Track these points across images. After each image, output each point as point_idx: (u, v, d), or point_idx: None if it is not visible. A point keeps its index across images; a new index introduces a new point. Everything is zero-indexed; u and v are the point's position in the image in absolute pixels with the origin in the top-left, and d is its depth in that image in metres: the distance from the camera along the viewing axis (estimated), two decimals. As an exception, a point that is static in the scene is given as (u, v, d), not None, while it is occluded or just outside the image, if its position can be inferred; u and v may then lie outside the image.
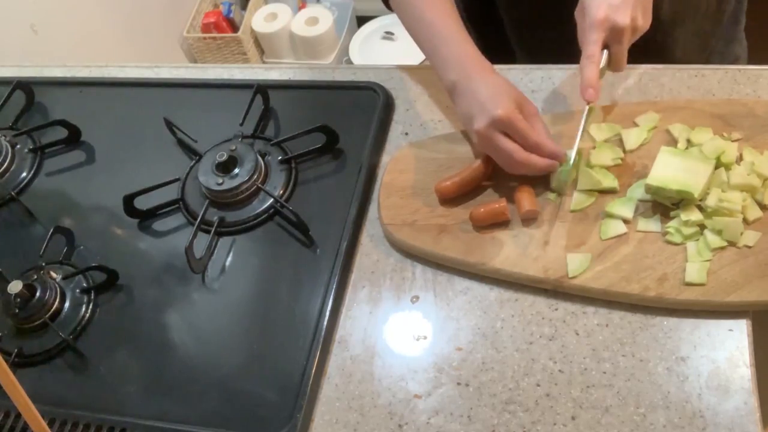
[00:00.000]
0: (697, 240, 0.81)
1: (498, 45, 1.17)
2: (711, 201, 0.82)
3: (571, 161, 0.86)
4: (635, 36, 0.86)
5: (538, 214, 0.87)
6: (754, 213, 0.82)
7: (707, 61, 1.12)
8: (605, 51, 0.86)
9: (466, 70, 0.89)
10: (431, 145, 0.98)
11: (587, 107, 0.87)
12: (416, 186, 0.93)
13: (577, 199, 0.87)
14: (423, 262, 0.90)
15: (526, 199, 0.86)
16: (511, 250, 0.85)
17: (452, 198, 0.91)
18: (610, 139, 0.92)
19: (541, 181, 0.89)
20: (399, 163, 0.97)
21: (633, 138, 0.90)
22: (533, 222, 0.87)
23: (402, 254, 0.91)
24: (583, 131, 0.87)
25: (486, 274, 0.86)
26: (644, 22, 0.85)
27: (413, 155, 0.97)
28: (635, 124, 0.92)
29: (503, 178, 0.91)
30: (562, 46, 0.92)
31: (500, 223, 0.87)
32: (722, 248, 0.80)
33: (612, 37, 0.84)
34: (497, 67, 1.04)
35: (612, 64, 0.87)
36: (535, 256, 0.84)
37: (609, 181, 0.87)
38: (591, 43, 0.83)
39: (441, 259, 0.88)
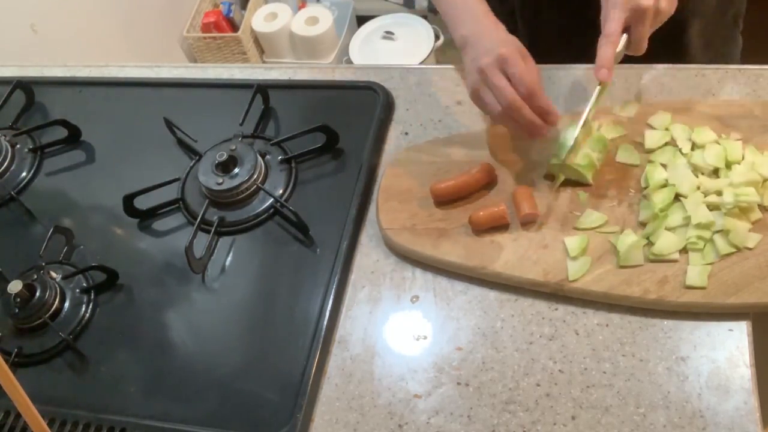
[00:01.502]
0: (699, 248, 0.80)
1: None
2: (728, 198, 0.81)
3: (575, 134, 0.85)
4: (658, 20, 0.84)
5: (537, 217, 0.87)
6: (755, 214, 0.81)
7: (711, 61, 1.12)
8: (624, 35, 0.85)
9: (477, 26, 0.90)
10: (429, 148, 0.97)
11: (599, 86, 0.86)
12: (414, 190, 0.93)
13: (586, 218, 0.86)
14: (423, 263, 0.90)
15: (525, 202, 0.86)
16: (510, 253, 0.85)
17: (446, 201, 0.90)
18: (616, 138, 0.91)
19: (541, 182, 0.89)
20: (397, 167, 0.96)
21: (655, 139, 0.90)
22: (533, 225, 0.87)
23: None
24: (591, 109, 0.87)
25: (486, 278, 0.85)
26: (668, 5, 0.84)
27: (411, 159, 0.97)
28: (649, 126, 0.92)
29: (503, 182, 0.91)
30: (577, 46, 0.92)
31: (500, 226, 0.87)
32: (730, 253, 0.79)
33: (634, 18, 0.83)
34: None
35: (631, 46, 0.86)
36: (535, 260, 0.84)
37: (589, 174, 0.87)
38: (613, 21, 0.82)
39: (441, 264, 0.87)
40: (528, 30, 1.15)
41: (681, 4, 0.87)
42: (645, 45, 0.86)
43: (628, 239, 0.82)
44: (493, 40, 0.88)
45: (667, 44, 0.88)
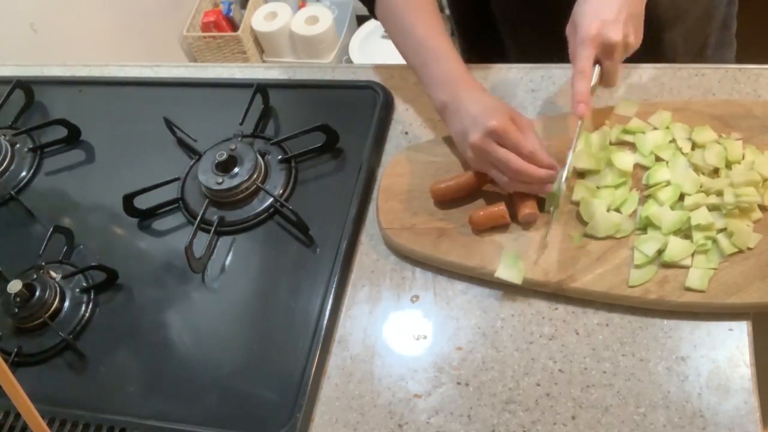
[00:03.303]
0: (708, 250, 0.80)
1: (490, 41, 1.17)
2: (729, 198, 0.81)
3: (564, 175, 0.84)
4: (627, 53, 0.85)
5: (537, 217, 0.86)
6: (755, 214, 0.81)
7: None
8: (597, 66, 0.85)
9: (456, 90, 0.88)
10: (429, 148, 0.97)
11: (579, 122, 0.86)
12: (414, 190, 0.93)
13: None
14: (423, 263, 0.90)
15: (525, 201, 0.86)
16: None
17: (446, 200, 0.90)
18: (621, 139, 0.91)
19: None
20: (396, 167, 0.96)
21: (657, 139, 0.89)
22: (533, 225, 0.87)
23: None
24: (576, 145, 0.86)
25: (486, 278, 0.85)
26: (636, 40, 0.85)
27: (411, 159, 0.96)
28: (649, 125, 0.91)
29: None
30: (553, 42, 0.92)
31: (500, 226, 0.87)
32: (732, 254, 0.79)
33: (604, 53, 0.83)
34: (492, 66, 1.04)
35: (604, 80, 0.86)
36: (535, 260, 0.84)
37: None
38: (583, 58, 0.83)
39: (441, 263, 0.87)
40: (507, 29, 1.15)
41: (657, 12, 0.87)
42: (617, 78, 0.86)
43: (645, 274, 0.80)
44: (477, 107, 0.85)
45: (647, 47, 0.87)
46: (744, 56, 1.19)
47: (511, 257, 0.82)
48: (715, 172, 0.85)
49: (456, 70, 0.90)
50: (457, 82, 0.89)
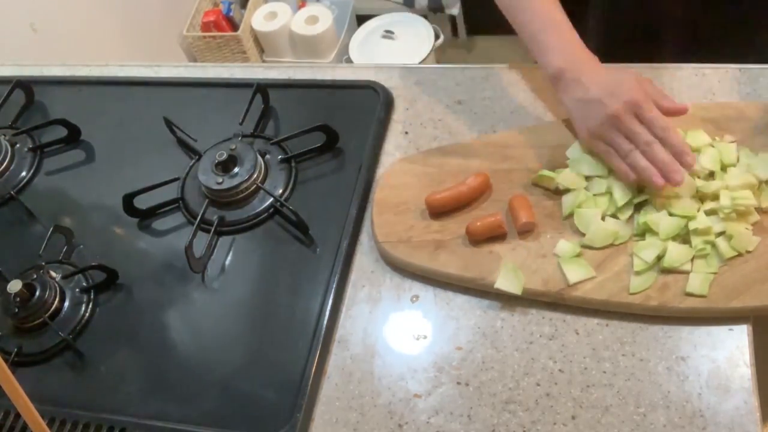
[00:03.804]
0: (708, 254, 0.80)
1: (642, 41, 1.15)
2: (725, 201, 0.81)
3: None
4: (655, 95, 0.85)
5: (535, 226, 0.86)
6: (752, 217, 0.81)
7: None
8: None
9: (575, 59, 0.88)
10: (422, 159, 0.96)
11: None
12: (409, 202, 0.92)
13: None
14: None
15: (522, 211, 0.85)
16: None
17: (442, 212, 0.89)
18: None
19: (538, 190, 0.89)
20: (391, 178, 0.95)
21: None
22: (530, 234, 0.86)
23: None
24: None
25: (485, 289, 0.84)
26: (645, 93, 0.84)
27: (405, 170, 0.95)
28: None
29: (499, 191, 0.90)
30: (646, 28, 0.93)
31: (497, 236, 0.86)
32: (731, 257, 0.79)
33: (633, 111, 0.83)
34: (492, 66, 1.05)
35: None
36: (534, 269, 0.83)
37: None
38: (604, 153, 0.86)
39: (439, 276, 0.86)
40: (604, 26, 1.14)
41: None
42: (681, 106, 0.85)
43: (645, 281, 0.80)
44: (608, 77, 0.85)
45: (738, 48, 0.88)
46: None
47: (510, 268, 0.82)
48: (710, 175, 0.85)
49: (573, 39, 0.90)
50: (573, 50, 0.89)
